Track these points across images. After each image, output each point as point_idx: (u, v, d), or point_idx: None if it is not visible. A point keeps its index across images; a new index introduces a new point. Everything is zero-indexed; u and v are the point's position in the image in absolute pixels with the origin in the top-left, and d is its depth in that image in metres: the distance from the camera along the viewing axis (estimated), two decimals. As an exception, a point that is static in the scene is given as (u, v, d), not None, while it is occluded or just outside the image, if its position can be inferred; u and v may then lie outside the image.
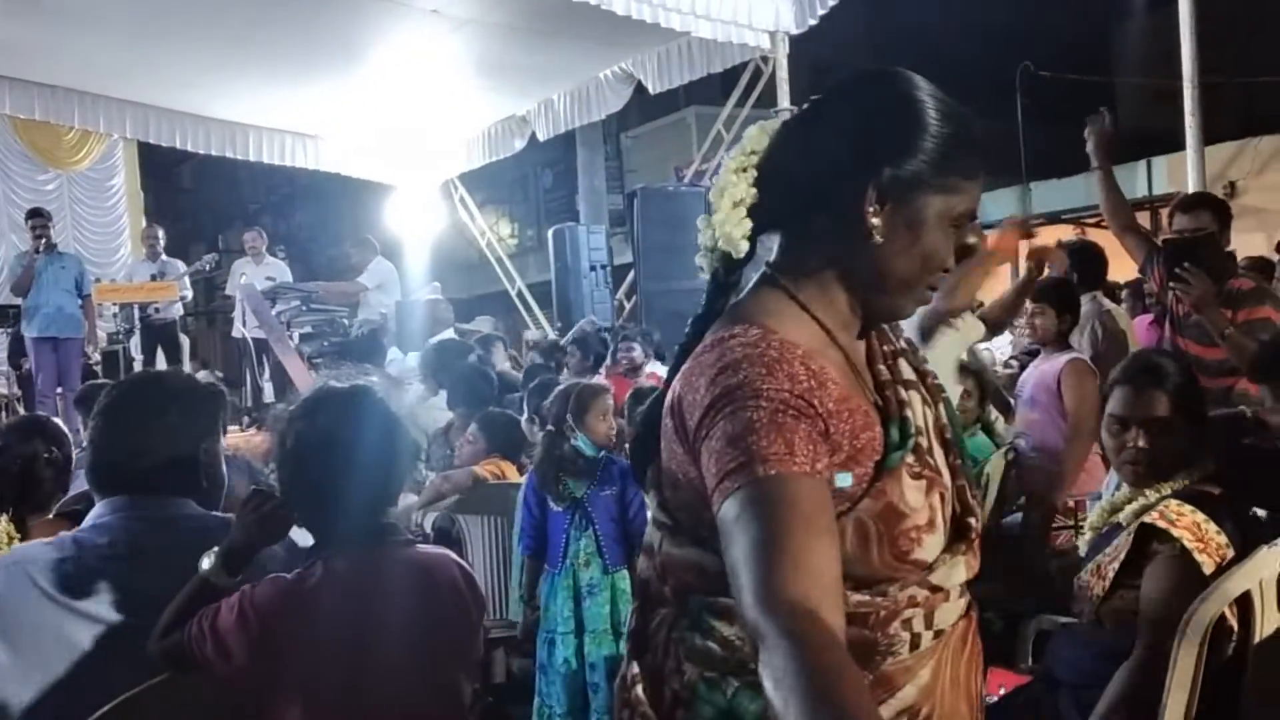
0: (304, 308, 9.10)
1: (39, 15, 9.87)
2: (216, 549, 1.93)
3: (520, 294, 13.65)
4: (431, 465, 4.64)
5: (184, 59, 10.77)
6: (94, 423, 2.12)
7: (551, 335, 10.19)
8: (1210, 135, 9.14)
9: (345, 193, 20.10)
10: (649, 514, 1.44)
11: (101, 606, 1.93)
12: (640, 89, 11.08)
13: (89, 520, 2.06)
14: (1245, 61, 12.32)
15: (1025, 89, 14.84)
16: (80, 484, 3.28)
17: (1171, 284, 3.89)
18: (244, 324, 9.58)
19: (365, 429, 2.01)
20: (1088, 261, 5.26)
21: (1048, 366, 4.54)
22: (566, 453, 3.84)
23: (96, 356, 9.85)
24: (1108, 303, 5.29)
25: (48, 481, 2.82)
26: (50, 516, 2.83)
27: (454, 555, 2.18)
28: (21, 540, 2.63)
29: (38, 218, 9.08)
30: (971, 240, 1.37)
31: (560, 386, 4.21)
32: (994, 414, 5.15)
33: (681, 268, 9.54)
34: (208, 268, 11.20)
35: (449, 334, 8.54)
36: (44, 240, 8.88)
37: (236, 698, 1.93)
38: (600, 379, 6.38)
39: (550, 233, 11.39)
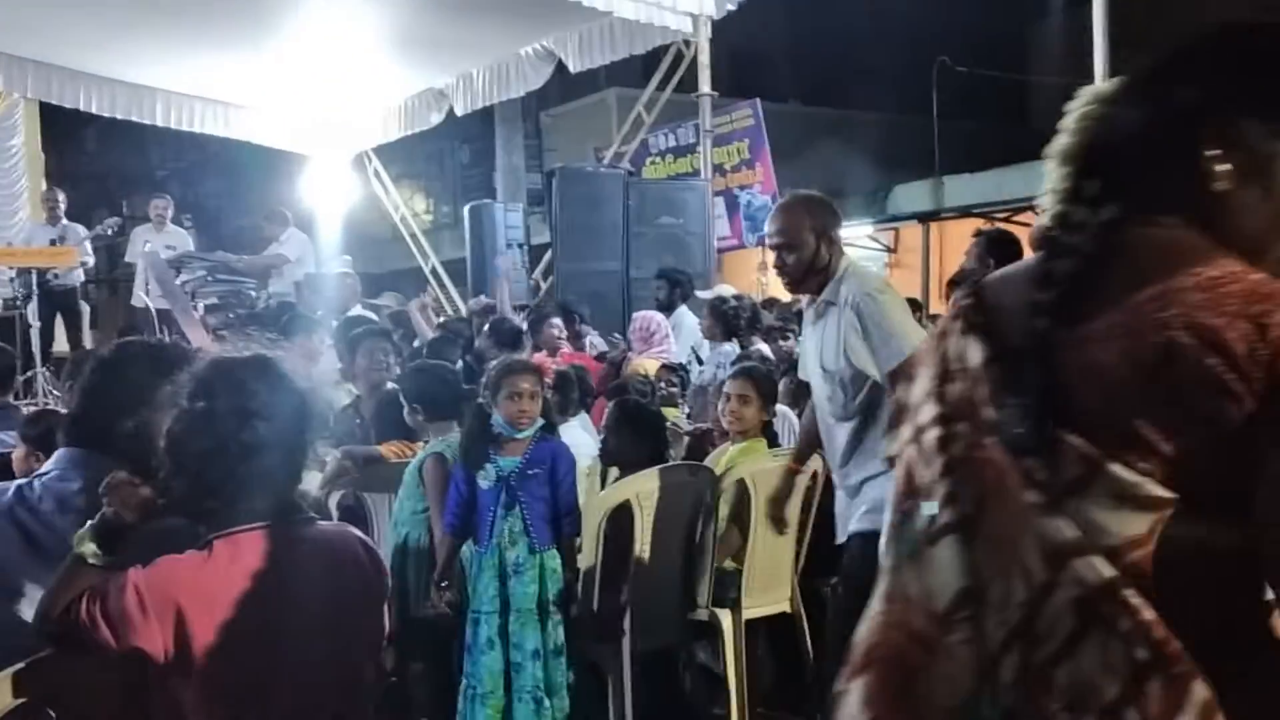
0: (210, 278, 8.88)
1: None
2: (90, 525, 1.88)
3: (434, 271, 13.50)
4: (339, 441, 4.55)
5: (91, 18, 10.42)
6: (89, 375, 2.29)
7: (464, 312, 10.09)
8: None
9: (256, 162, 19.63)
10: (1113, 486, 1.15)
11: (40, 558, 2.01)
12: (561, 68, 11.01)
13: (44, 469, 2.18)
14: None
15: (941, 83, 15.06)
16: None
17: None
18: (146, 293, 9.32)
19: (269, 401, 1.96)
20: (1004, 250, 5.28)
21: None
22: (489, 429, 3.81)
23: (-10, 322, 9.50)
24: None
25: None
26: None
27: (358, 532, 2.13)
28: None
29: (-69, 176, 8.72)
30: None
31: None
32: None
33: (599, 248, 9.52)
34: (109, 233, 10.85)
35: (357, 309, 8.42)
36: (-63, 200, 8.53)
37: (129, 677, 1.88)
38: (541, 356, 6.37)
39: (467, 210, 11.28)
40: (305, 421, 2.04)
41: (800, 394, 5.25)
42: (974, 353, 1.26)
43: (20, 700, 1.87)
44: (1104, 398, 1.16)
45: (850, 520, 3.47)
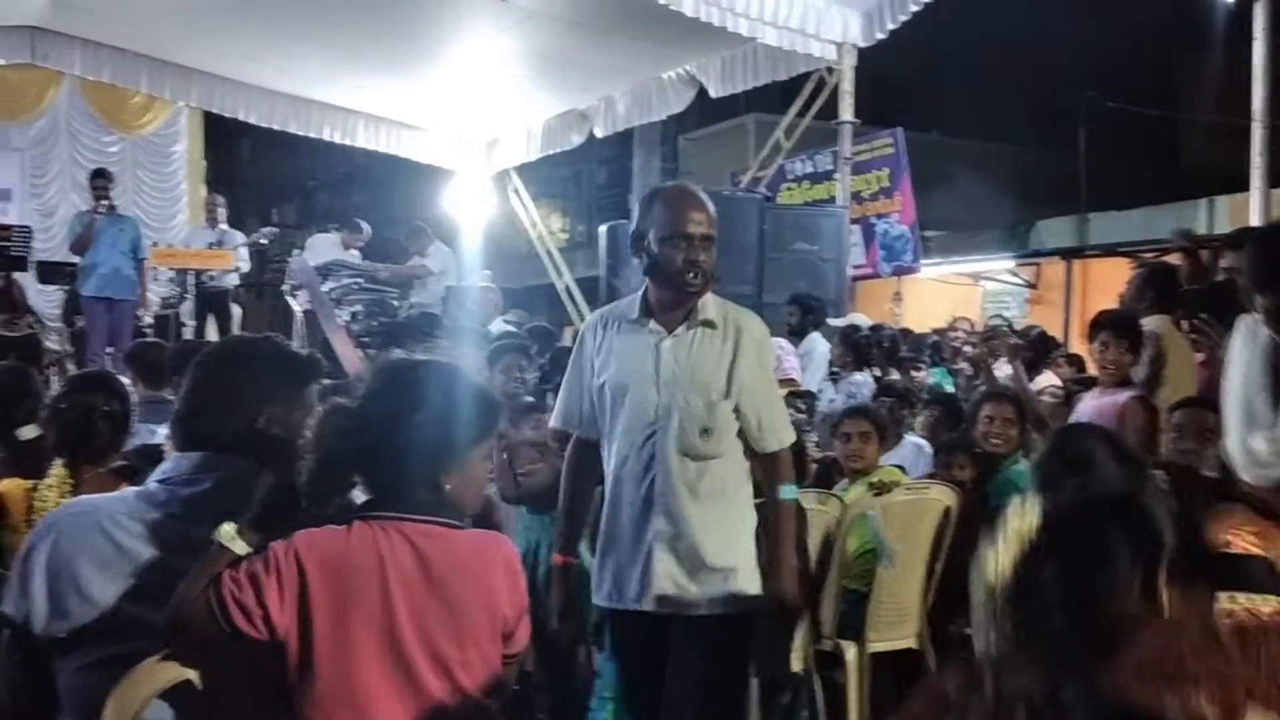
0: (355, 286, 9.18)
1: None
2: (232, 524, 1.90)
3: (568, 288, 13.67)
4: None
5: (253, 32, 10.90)
6: (191, 376, 2.19)
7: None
8: (1277, 177, 9.01)
9: (401, 176, 20.24)
10: None
11: (163, 558, 1.98)
12: (701, 92, 11.07)
13: (158, 473, 2.11)
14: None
15: (1088, 117, 14.71)
16: (138, 440, 3.34)
17: (1192, 334, 4.04)
18: (294, 298, 9.70)
19: (423, 402, 2.02)
20: (1166, 284, 5.09)
21: (1107, 401, 4.38)
22: None
23: (148, 319, 9.97)
24: (1168, 324, 5.03)
25: (104, 434, 2.89)
26: (103, 470, 2.88)
27: (505, 540, 2.16)
28: (75, 490, 2.68)
29: (100, 179, 9.21)
30: None
31: None
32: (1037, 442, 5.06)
33: (730, 272, 9.43)
34: (265, 241, 11.33)
35: (498, 323, 8.60)
36: (105, 202, 9.01)
37: (266, 661, 1.91)
38: None
39: (603, 228, 11.39)
40: (458, 425, 2.07)
41: (940, 425, 5.18)
42: None
43: (181, 679, 1.90)
44: None
45: (694, 588, 2.89)
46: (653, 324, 2.96)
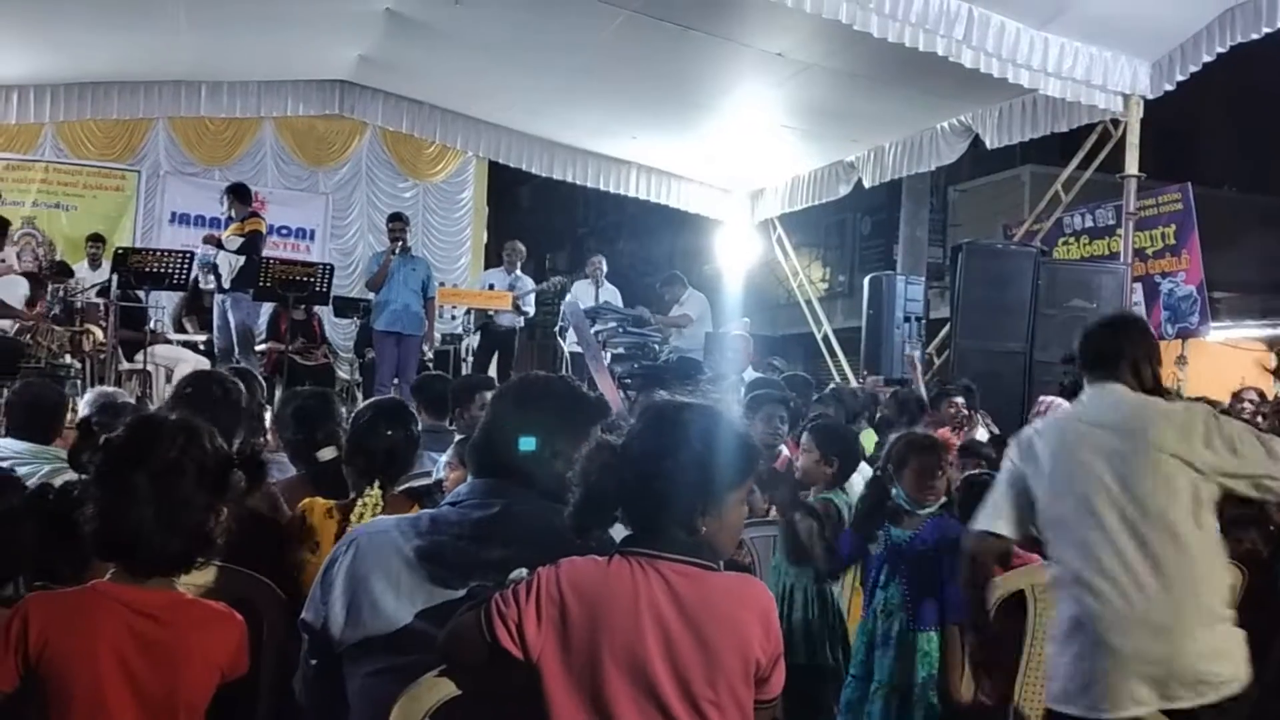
0: (620, 329, 9.46)
1: (418, 38, 10.85)
2: (525, 570, 2.00)
3: (825, 338, 13.59)
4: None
5: (537, 86, 11.54)
6: (489, 408, 2.36)
7: (855, 384, 10.10)
8: None
9: (664, 223, 20.71)
10: None
11: (447, 577, 2.12)
12: (974, 142, 10.83)
13: (450, 496, 2.28)
14: None
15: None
16: (422, 465, 3.57)
17: None
18: (564, 340, 10.11)
19: (691, 442, 2.04)
20: None
21: None
22: (888, 501, 3.73)
23: (431, 354, 10.57)
24: None
25: (402, 460, 3.12)
26: (396, 491, 3.11)
27: (763, 587, 2.16)
28: (383, 510, 2.90)
29: (398, 221, 9.82)
30: None
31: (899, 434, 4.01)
32: None
33: (1000, 328, 9.21)
34: (553, 290, 11.90)
35: (750, 371, 8.67)
36: (400, 243, 9.60)
37: (530, 686, 1.98)
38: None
39: (867, 280, 11.29)
40: (717, 468, 2.06)
41: (1229, 499, 4.84)
42: None
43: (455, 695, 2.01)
44: None
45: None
46: None
